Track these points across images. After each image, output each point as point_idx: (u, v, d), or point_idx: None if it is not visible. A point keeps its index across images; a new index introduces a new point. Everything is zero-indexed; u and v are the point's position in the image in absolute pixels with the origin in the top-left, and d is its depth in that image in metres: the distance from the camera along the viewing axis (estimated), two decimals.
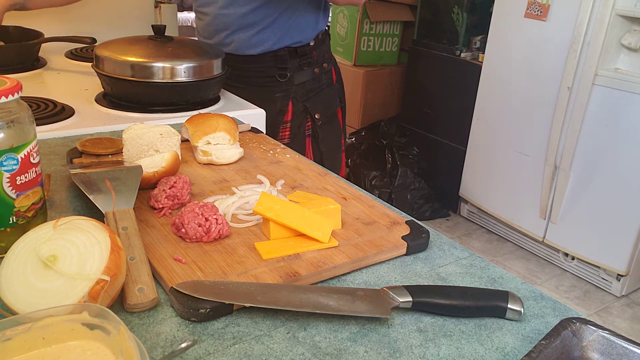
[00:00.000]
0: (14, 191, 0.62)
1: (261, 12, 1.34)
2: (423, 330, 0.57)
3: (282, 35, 1.38)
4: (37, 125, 0.81)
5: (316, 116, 1.47)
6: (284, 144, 1.40)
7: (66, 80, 1.43)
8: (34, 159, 0.64)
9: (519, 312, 0.59)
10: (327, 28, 1.53)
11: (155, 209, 0.75)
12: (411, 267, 0.69)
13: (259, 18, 1.35)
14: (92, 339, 0.46)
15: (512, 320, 0.60)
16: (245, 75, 1.43)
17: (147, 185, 0.79)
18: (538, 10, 2.37)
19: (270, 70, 1.41)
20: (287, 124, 1.44)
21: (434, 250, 0.73)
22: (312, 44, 1.45)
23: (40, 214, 0.67)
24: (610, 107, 2.20)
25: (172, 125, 0.90)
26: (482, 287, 0.66)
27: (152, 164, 0.80)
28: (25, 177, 0.62)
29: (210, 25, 1.41)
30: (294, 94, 1.43)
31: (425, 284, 0.65)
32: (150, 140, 0.84)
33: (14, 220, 0.63)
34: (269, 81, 1.42)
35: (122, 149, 0.87)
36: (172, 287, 0.57)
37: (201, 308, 0.55)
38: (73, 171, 0.76)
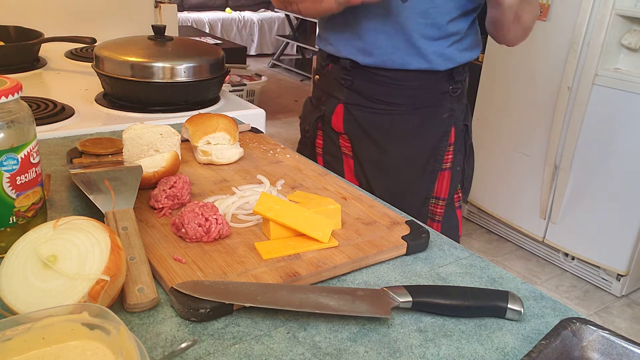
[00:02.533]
0: (14, 191, 0.62)
1: (461, 21, 1.13)
2: (423, 330, 0.57)
3: (471, 45, 1.19)
4: (37, 125, 0.81)
5: (471, 134, 1.29)
6: (445, 168, 1.23)
7: (66, 80, 1.43)
8: (34, 159, 0.64)
9: (519, 312, 0.59)
10: None
11: (155, 209, 0.75)
12: (411, 267, 0.69)
13: (458, 28, 1.14)
14: (92, 339, 0.46)
15: (512, 320, 0.60)
16: (409, 95, 1.17)
17: (147, 185, 0.79)
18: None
19: (444, 85, 1.19)
20: (451, 147, 1.23)
21: (434, 250, 0.73)
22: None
23: (40, 214, 0.67)
24: (610, 107, 2.20)
25: (172, 125, 0.91)
26: (482, 287, 0.66)
27: (152, 164, 0.80)
28: (25, 177, 0.62)
29: (396, 35, 1.13)
30: (457, 113, 1.23)
31: (425, 284, 0.65)
32: (150, 140, 0.84)
33: (14, 220, 0.63)
34: (439, 99, 1.19)
35: (122, 149, 0.87)
36: (172, 287, 0.57)
37: (201, 308, 0.55)
38: (73, 171, 0.76)
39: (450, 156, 1.24)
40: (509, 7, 1.04)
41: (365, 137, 1.20)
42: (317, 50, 1.31)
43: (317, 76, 1.29)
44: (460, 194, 1.28)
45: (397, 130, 1.19)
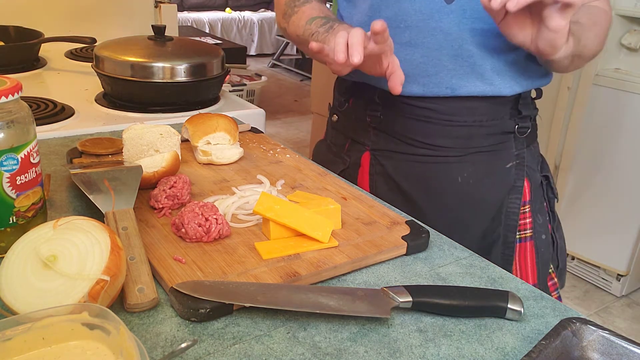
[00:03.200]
0: (14, 191, 0.62)
1: None
2: (423, 330, 0.57)
3: (536, 66, 0.89)
4: (37, 125, 0.81)
5: (556, 192, 1.00)
6: (524, 238, 0.93)
7: (66, 80, 1.43)
8: (34, 159, 0.64)
9: (519, 312, 0.59)
10: None
11: (155, 209, 0.75)
12: (411, 267, 0.69)
13: None
14: (92, 339, 0.45)
15: (512, 320, 0.60)
16: (459, 135, 0.89)
17: (147, 185, 0.79)
18: None
19: (506, 122, 0.90)
20: (527, 206, 0.93)
21: (434, 250, 0.73)
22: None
23: (40, 214, 0.67)
24: (610, 107, 2.20)
25: (172, 125, 0.90)
26: (482, 287, 0.66)
27: (152, 164, 0.80)
28: (25, 177, 0.62)
29: (440, 48, 0.86)
30: (528, 162, 0.93)
31: (425, 284, 0.65)
32: (150, 140, 0.84)
33: (14, 220, 0.63)
34: (500, 141, 0.91)
35: (122, 149, 0.87)
36: (172, 287, 0.57)
37: (201, 308, 0.55)
38: (73, 171, 0.76)
39: (528, 220, 0.92)
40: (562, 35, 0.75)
41: (399, 195, 0.93)
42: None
43: (335, 116, 1.03)
44: (555, 278, 0.97)
45: (443, 184, 0.89)
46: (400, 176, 0.92)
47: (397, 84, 0.76)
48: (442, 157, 0.90)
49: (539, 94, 0.95)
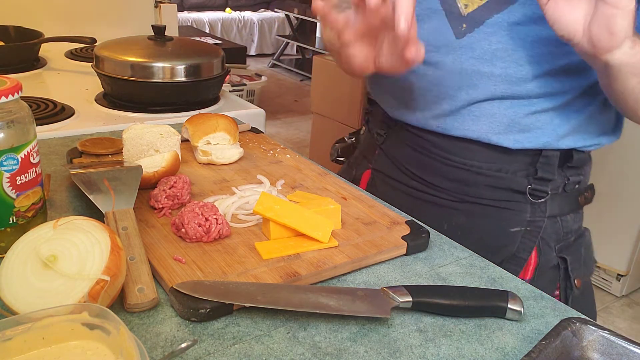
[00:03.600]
0: (14, 191, 0.62)
1: (559, 79, 0.74)
2: (423, 330, 0.57)
3: (576, 126, 0.78)
4: (37, 125, 0.81)
5: (575, 282, 0.86)
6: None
7: (66, 80, 1.43)
8: (34, 159, 0.64)
9: (519, 312, 0.59)
10: None
11: (155, 209, 0.75)
12: (411, 267, 0.69)
13: (551, 88, 0.75)
14: (92, 339, 0.46)
15: (512, 320, 0.60)
16: (455, 178, 0.81)
17: (147, 185, 0.79)
18: None
19: (518, 179, 0.79)
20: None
21: (434, 250, 0.73)
22: (591, 153, 0.84)
23: (40, 214, 0.67)
24: None
25: (172, 125, 0.91)
26: (482, 287, 0.66)
27: (152, 164, 0.80)
28: (25, 177, 0.62)
29: (439, 84, 0.78)
30: (544, 234, 0.81)
31: (425, 284, 0.65)
32: (150, 140, 0.84)
33: (14, 220, 0.63)
34: (508, 199, 0.80)
35: (122, 149, 0.87)
36: (172, 287, 0.57)
37: (201, 308, 0.55)
38: (73, 171, 0.76)
39: None
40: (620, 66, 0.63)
41: None
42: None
43: (363, 128, 1.00)
44: None
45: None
46: (388, 202, 0.85)
47: (411, 51, 0.62)
48: (432, 197, 0.83)
49: (581, 158, 0.81)
